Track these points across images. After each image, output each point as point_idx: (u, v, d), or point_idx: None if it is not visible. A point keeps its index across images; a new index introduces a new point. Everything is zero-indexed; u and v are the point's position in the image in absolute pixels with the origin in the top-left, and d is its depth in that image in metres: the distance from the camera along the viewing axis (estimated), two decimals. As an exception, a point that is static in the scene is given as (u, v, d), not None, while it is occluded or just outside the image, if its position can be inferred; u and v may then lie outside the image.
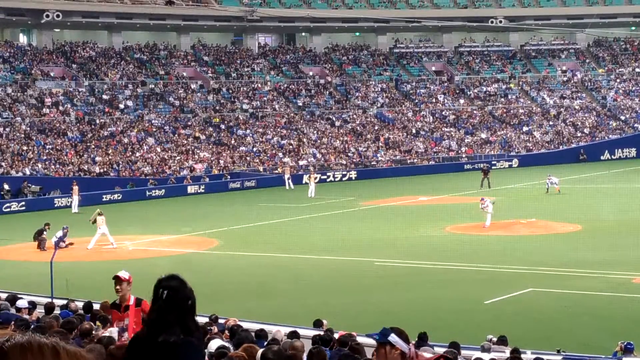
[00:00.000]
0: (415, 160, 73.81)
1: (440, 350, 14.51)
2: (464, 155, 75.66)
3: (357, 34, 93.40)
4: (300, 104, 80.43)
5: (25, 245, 36.73)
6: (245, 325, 15.47)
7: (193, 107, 75.72)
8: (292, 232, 40.50)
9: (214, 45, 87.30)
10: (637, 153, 77.34)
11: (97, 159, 63.64)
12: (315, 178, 58.71)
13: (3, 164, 59.71)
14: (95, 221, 36.57)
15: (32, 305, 16.03)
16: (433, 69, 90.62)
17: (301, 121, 77.48)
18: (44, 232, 36.28)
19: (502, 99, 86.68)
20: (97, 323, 12.31)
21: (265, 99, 79.79)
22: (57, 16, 74.18)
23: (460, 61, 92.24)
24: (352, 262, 31.51)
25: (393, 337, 5.50)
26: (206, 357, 9.85)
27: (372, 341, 15.66)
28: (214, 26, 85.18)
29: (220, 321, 16.40)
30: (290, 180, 62.08)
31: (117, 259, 34.36)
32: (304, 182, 60.86)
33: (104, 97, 73.86)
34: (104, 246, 36.50)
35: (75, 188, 52.04)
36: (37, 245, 36.05)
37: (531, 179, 53.21)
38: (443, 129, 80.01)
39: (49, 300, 18.40)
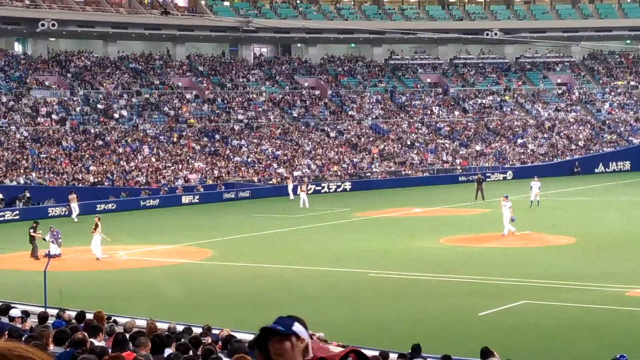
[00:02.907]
0: (409, 172, 73.85)
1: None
2: (458, 167, 75.73)
3: (353, 45, 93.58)
4: (295, 115, 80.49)
5: (19, 254, 36.66)
6: (238, 335, 15.45)
7: (188, 117, 75.72)
8: (286, 243, 40.48)
9: (209, 55, 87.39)
10: (631, 166, 77.49)
11: (92, 168, 63.59)
12: (310, 189, 58.55)
13: (-3, 172, 59.66)
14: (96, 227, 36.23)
15: (26, 315, 15.99)
16: (428, 80, 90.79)
17: (296, 132, 77.52)
18: (35, 232, 36.26)
19: (497, 111, 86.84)
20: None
21: (260, 109, 79.82)
22: (53, 25, 74.13)
23: (455, 73, 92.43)
24: (346, 273, 31.48)
25: (297, 327, 4.71)
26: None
27: (366, 352, 15.66)
28: (210, 36, 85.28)
29: (214, 332, 16.37)
30: (292, 191, 61.72)
31: (111, 269, 34.33)
32: (297, 193, 60.81)
33: (99, 106, 73.84)
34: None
35: (73, 196, 52.33)
36: (30, 254, 36.01)
37: (525, 191, 53.20)
38: (438, 141, 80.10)
39: (42, 309, 18.36)
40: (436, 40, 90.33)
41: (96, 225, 35.78)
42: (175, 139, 71.30)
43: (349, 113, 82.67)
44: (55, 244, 36.12)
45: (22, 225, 47.83)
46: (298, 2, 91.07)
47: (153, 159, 67.37)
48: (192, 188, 63.21)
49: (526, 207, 50.56)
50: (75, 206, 52.22)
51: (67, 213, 52.98)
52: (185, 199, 60.57)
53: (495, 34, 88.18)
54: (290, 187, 62.17)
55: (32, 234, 36.22)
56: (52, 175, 61.29)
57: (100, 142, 68.09)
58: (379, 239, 40.11)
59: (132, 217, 53.29)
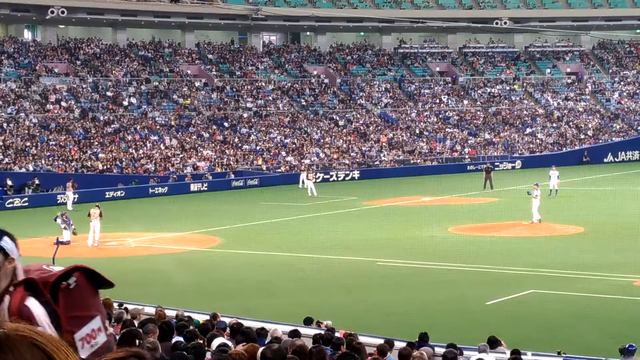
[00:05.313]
0: (418, 161, 73.81)
1: (440, 351, 14.51)
2: (467, 156, 75.66)
3: (362, 33, 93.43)
4: (304, 103, 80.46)
5: (28, 240, 36.73)
6: (246, 323, 15.51)
7: (197, 105, 75.77)
8: (294, 231, 40.54)
9: (218, 43, 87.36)
10: (640, 156, 77.32)
11: (101, 155, 63.69)
12: (318, 177, 58.45)
13: (7, 159, 59.80)
14: (89, 214, 36.54)
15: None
16: (437, 69, 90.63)
17: (305, 120, 77.51)
18: None
19: (506, 100, 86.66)
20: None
21: (269, 97, 79.82)
22: (62, 12, 74.26)
23: (464, 62, 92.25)
24: (354, 262, 31.53)
25: (6, 243, 3.63)
26: (208, 355, 9.89)
27: (373, 340, 15.68)
28: (219, 24, 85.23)
29: (223, 319, 16.42)
30: (304, 180, 61.33)
31: (120, 256, 34.44)
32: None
33: (108, 94, 73.93)
34: (106, 242, 36.64)
35: (69, 184, 52.18)
36: None
37: (534, 180, 53.07)
38: (446, 130, 80.00)
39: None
40: (445, 29, 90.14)
41: (89, 214, 36.22)
42: (172, 123, 71.24)
43: (358, 102, 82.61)
44: (69, 229, 36.37)
45: (31, 212, 48.08)
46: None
47: (162, 147, 67.45)
48: (200, 176, 63.29)
49: (544, 196, 50.14)
50: (70, 194, 51.92)
51: (67, 201, 52.22)
52: (194, 187, 60.65)
53: (505, 23, 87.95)
54: (303, 175, 61.96)
55: None
56: (61, 163, 61.42)
57: (109, 130, 68.19)
58: (387, 227, 40.14)
59: (141, 205, 53.40)
